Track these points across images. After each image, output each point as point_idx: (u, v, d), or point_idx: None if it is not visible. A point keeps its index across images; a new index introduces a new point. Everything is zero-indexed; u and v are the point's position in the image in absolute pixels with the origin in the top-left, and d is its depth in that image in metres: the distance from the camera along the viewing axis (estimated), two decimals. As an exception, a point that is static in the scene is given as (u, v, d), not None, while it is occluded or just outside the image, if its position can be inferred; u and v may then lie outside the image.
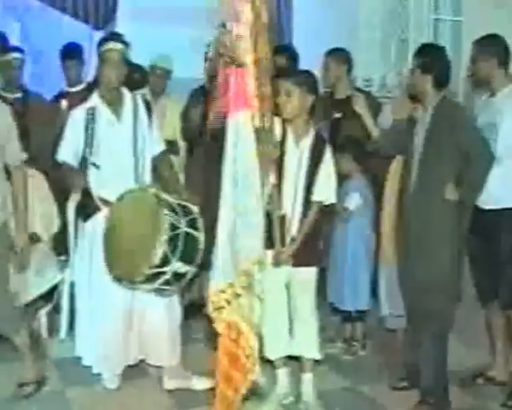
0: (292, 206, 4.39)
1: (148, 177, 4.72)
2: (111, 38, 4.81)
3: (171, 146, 5.79)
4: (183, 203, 4.33)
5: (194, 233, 4.19)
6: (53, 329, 5.65)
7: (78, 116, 4.68)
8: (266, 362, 4.56)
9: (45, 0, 7.74)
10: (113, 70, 4.63)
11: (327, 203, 4.53)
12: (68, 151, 4.70)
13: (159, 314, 4.71)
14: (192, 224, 4.21)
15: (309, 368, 4.64)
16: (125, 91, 4.77)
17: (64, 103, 5.80)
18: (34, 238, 5.46)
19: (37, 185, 5.57)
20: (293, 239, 4.42)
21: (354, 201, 5.35)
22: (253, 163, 3.59)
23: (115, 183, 4.51)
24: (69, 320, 5.55)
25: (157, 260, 4.05)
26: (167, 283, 4.21)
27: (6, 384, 4.85)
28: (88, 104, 4.70)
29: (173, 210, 4.18)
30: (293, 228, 4.42)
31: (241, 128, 3.57)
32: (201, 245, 4.21)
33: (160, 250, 4.04)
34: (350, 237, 5.41)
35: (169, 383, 4.83)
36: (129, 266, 4.23)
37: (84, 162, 4.60)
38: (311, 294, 4.54)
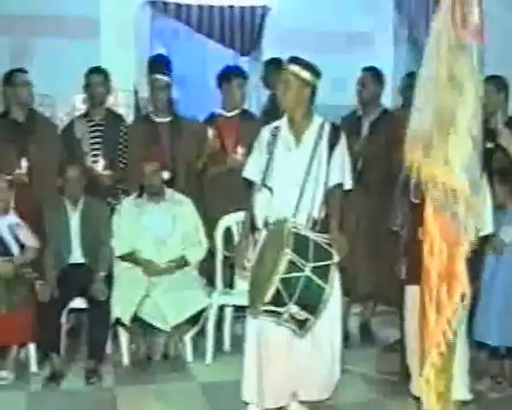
0: None
1: (316, 208, 4.55)
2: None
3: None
4: (325, 246, 4.31)
5: (319, 282, 4.17)
6: (199, 353, 5.82)
7: (264, 134, 4.71)
8: (414, 399, 4.53)
9: (192, 25, 7.95)
10: (285, 92, 4.58)
11: (483, 234, 4.45)
12: (253, 168, 4.74)
13: (308, 344, 4.62)
14: (320, 271, 4.18)
15: (457, 408, 4.56)
16: (316, 116, 4.65)
17: (211, 132, 5.96)
18: (183, 263, 5.70)
19: (185, 211, 5.78)
20: None
21: (511, 234, 5.26)
22: None
23: (280, 207, 4.53)
24: (216, 345, 5.78)
25: (268, 297, 4.12)
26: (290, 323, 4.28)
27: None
28: (276, 123, 4.70)
29: (305, 250, 4.19)
30: None
31: None
32: (325, 297, 4.19)
33: (272, 289, 4.10)
34: (501, 270, 5.31)
35: None
36: (254, 294, 4.37)
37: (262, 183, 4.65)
38: (461, 332, 4.46)
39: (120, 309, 5.45)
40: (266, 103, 6.77)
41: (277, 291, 4.12)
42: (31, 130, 5.94)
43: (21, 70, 6.03)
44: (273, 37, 7.98)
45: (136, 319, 5.46)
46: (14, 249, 5.44)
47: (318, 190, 4.55)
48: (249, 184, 4.78)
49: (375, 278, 6.04)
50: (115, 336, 5.73)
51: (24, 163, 5.74)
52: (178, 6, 7.89)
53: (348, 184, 4.75)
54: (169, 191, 5.82)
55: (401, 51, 8.25)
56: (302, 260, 4.14)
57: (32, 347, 5.46)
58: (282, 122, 4.66)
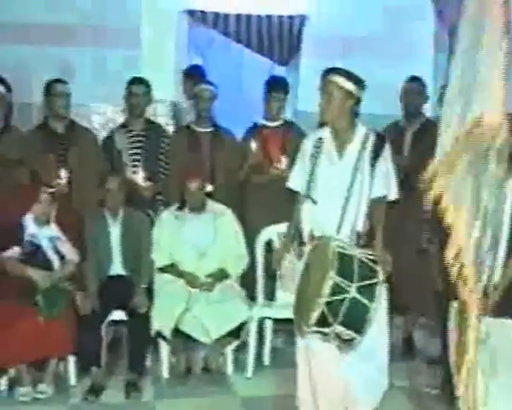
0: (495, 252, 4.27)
1: (360, 221, 4.45)
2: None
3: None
4: (370, 264, 4.22)
5: (364, 301, 4.11)
6: (239, 366, 5.81)
7: (307, 145, 4.65)
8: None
9: (230, 35, 7.96)
10: (328, 104, 4.49)
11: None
12: (297, 179, 4.68)
13: (353, 357, 4.51)
14: (365, 290, 4.11)
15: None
16: (360, 127, 4.56)
17: (254, 144, 5.96)
18: (223, 275, 5.70)
19: (227, 222, 5.79)
20: (495, 287, 4.28)
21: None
22: None
23: (324, 221, 4.47)
24: (256, 358, 5.77)
25: (313, 320, 4.08)
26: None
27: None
28: (319, 134, 4.63)
29: (350, 271, 4.11)
30: (496, 275, 4.30)
31: None
32: (370, 315, 4.12)
33: (316, 312, 4.05)
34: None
35: None
36: (300, 316, 4.31)
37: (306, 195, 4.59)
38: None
39: (161, 322, 5.46)
40: None
41: (322, 313, 4.08)
42: (70, 141, 5.99)
43: (60, 81, 6.08)
44: (312, 45, 7.95)
45: (176, 331, 5.45)
46: (55, 262, 5.48)
47: (362, 202, 4.47)
48: (295, 195, 4.72)
49: (416, 290, 6.00)
50: (155, 349, 5.72)
51: (64, 173, 5.78)
52: (216, 15, 7.90)
53: (393, 195, 4.65)
54: (210, 202, 5.84)
55: (442, 60, 8.19)
56: (347, 280, 4.09)
57: (71, 360, 5.47)
58: (325, 133, 4.59)
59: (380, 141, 4.57)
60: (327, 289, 4.05)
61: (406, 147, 6.09)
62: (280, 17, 7.95)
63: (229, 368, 5.76)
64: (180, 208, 5.81)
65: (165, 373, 5.67)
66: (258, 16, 7.93)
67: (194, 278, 5.66)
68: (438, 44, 8.17)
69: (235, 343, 5.71)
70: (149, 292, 5.64)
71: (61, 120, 6.04)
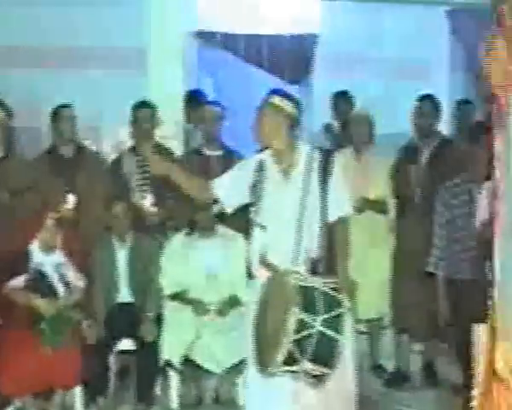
0: None
1: (316, 248, 4.22)
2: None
3: (378, 205, 5.88)
4: (332, 293, 4.01)
5: (331, 334, 3.92)
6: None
7: (249, 164, 4.44)
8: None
9: (240, 55, 7.95)
10: (264, 126, 4.30)
11: None
12: (222, 186, 4.49)
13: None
14: (331, 323, 3.93)
15: None
16: (303, 146, 4.37)
17: None
18: (234, 302, 5.61)
19: (238, 247, 5.70)
20: None
21: None
22: None
23: (277, 247, 4.25)
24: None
25: (280, 360, 3.88)
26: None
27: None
28: (259, 156, 4.42)
29: (312, 303, 3.92)
30: None
31: None
32: (338, 349, 3.95)
33: (282, 351, 3.85)
34: None
35: None
36: (263, 356, 4.11)
37: (249, 222, 4.41)
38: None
39: (170, 351, 5.39)
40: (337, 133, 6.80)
41: (288, 353, 3.88)
42: (78, 165, 5.97)
43: (66, 106, 6.06)
44: (324, 64, 7.94)
45: (186, 360, 5.39)
46: (60, 289, 5.42)
47: (315, 227, 4.25)
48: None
49: (434, 315, 5.87)
50: (165, 379, 5.62)
51: (71, 199, 5.72)
52: (225, 36, 7.89)
53: (344, 212, 4.39)
54: (220, 227, 5.74)
55: (458, 77, 8.15)
56: (311, 314, 3.90)
57: (78, 389, 5.37)
58: (266, 157, 4.38)
59: (326, 157, 4.36)
60: (291, 326, 3.84)
61: (422, 168, 5.91)
62: (291, 36, 7.93)
63: (242, 398, 5.57)
64: (189, 234, 5.72)
65: (175, 404, 5.57)
66: (269, 36, 7.92)
67: (199, 305, 5.55)
68: (453, 62, 8.13)
69: (248, 372, 5.59)
70: (158, 320, 5.55)
71: (69, 145, 6.01)
